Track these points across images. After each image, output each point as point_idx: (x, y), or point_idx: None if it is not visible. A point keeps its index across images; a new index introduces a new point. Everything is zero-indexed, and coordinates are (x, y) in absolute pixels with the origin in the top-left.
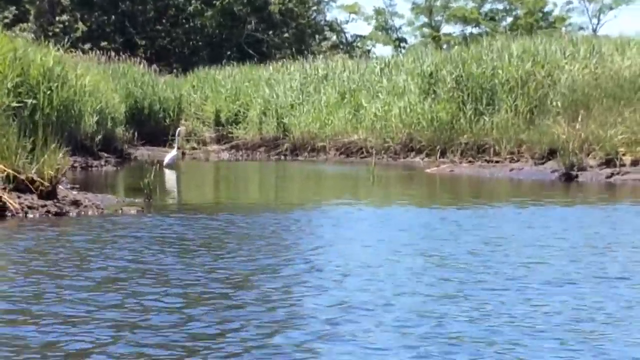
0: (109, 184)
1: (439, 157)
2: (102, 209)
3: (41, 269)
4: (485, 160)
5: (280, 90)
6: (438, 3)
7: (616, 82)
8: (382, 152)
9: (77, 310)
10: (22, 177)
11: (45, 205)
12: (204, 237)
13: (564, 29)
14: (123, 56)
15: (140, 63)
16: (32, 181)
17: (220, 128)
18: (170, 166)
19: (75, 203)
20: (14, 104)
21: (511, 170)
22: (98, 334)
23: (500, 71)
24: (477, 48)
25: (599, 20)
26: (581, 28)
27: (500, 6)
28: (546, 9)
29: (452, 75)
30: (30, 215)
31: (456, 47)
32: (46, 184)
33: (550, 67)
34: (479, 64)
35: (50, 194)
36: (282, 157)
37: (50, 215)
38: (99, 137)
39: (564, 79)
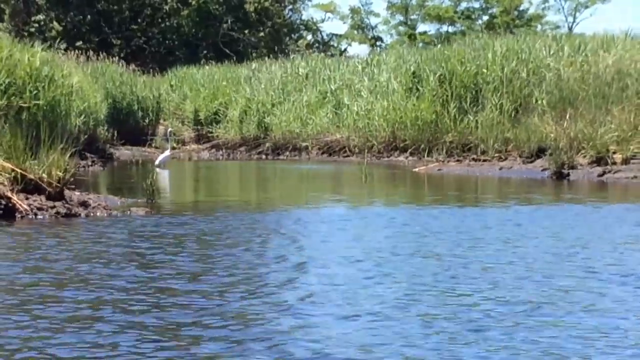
0: (99, 184)
1: (426, 156)
2: (110, 209)
3: (90, 274)
4: (473, 159)
5: (261, 89)
6: (414, 1)
7: (603, 80)
8: (365, 151)
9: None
10: (32, 177)
11: (55, 207)
12: (226, 235)
13: (539, 26)
14: (101, 55)
15: (119, 62)
16: (40, 182)
17: (200, 127)
18: (162, 166)
19: (84, 204)
20: (11, 104)
21: (500, 169)
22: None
23: (484, 70)
24: (461, 47)
25: (574, 18)
26: (557, 26)
27: (476, 4)
28: (522, 7)
29: (435, 74)
30: (39, 217)
31: (439, 45)
32: (55, 184)
33: (535, 66)
34: (463, 63)
35: (58, 195)
36: (264, 157)
37: (59, 216)
38: (84, 137)
39: (549, 77)
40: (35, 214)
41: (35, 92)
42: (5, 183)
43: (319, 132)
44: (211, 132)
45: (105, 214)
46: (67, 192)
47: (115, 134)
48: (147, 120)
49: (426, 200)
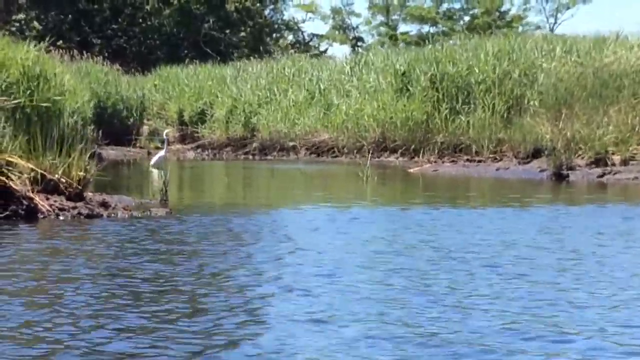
0: (101, 184)
1: (420, 157)
2: (130, 210)
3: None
4: (467, 159)
5: (247, 89)
6: (395, 2)
7: (600, 80)
8: (355, 151)
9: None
10: (54, 177)
11: (76, 207)
12: (263, 234)
13: (521, 27)
14: (85, 55)
15: (103, 62)
16: (60, 182)
17: (184, 127)
18: (157, 167)
19: (104, 204)
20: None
21: (497, 169)
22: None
23: (476, 70)
24: (452, 47)
25: (556, 19)
26: (538, 27)
27: (458, 5)
28: (503, 8)
29: (426, 74)
30: (61, 217)
31: (430, 46)
32: (75, 185)
33: (526, 66)
34: (454, 63)
35: (78, 196)
36: (251, 157)
37: (82, 217)
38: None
39: (542, 78)
40: (57, 215)
41: (29, 91)
42: (26, 183)
43: (307, 133)
44: (196, 132)
45: (126, 215)
46: (85, 193)
47: (100, 134)
48: (131, 120)
49: (442, 201)
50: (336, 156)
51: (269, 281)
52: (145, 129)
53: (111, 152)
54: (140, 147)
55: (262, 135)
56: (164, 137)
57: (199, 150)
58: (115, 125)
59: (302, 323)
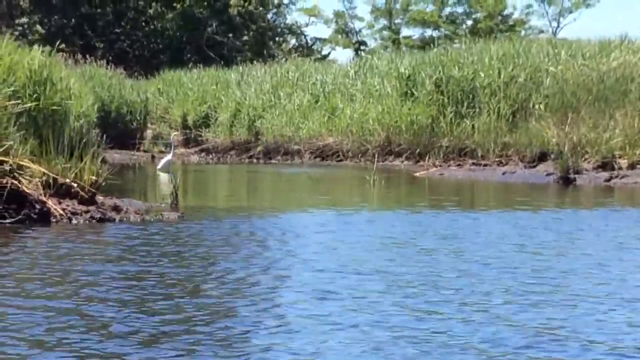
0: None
1: (425, 161)
2: (141, 214)
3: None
4: (473, 163)
5: (252, 93)
6: (398, 6)
7: (606, 84)
8: (359, 155)
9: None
10: (65, 181)
11: (89, 211)
12: (282, 237)
13: (523, 32)
14: (88, 59)
15: (107, 66)
16: (73, 186)
17: (188, 131)
18: (165, 170)
19: (116, 208)
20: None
21: (504, 173)
22: None
23: (481, 74)
24: (457, 50)
25: (558, 23)
26: (541, 31)
27: (460, 9)
28: (506, 12)
29: (431, 78)
30: (74, 221)
31: (435, 49)
32: (87, 189)
33: (532, 70)
34: (460, 67)
35: (90, 200)
36: (255, 161)
37: (94, 221)
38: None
39: (547, 82)
40: (70, 219)
41: (35, 95)
42: (39, 187)
43: (311, 136)
44: (200, 136)
45: (138, 219)
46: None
47: (104, 137)
48: (134, 124)
49: (455, 205)
50: (340, 160)
51: (297, 286)
52: (149, 133)
53: (116, 156)
54: (144, 151)
55: (266, 139)
56: (171, 140)
57: (203, 154)
58: (119, 128)
59: (327, 326)
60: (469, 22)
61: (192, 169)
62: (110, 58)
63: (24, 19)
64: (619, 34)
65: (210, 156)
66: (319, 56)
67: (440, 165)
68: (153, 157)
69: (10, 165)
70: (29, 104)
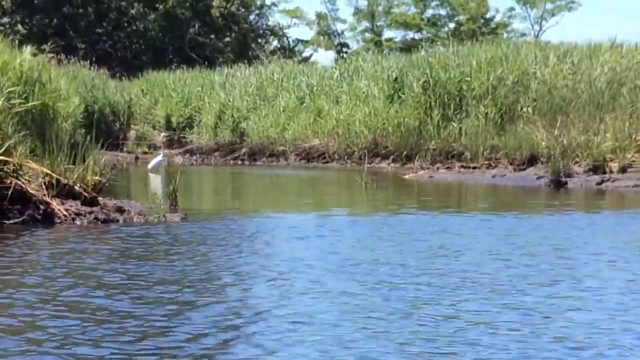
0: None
1: (412, 163)
2: (144, 215)
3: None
4: (462, 166)
5: (236, 94)
6: (380, 8)
7: (595, 88)
8: (345, 157)
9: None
10: (68, 182)
11: (92, 212)
12: (288, 238)
13: (505, 34)
14: (72, 59)
15: (90, 67)
16: (75, 187)
17: (172, 132)
18: (155, 171)
19: (119, 210)
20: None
21: (493, 176)
22: None
23: (468, 77)
24: (444, 53)
25: (540, 26)
26: (523, 34)
27: (443, 12)
28: (488, 15)
29: (419, 81)
30: (77, 222)
31: (422, 51)
32: (90, 190)
33: (520, 73)
34: (447, 69)
35: (93, 201)
36: (240, 162)
37: (98, 222)
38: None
39: (536, 85)
40: (73, 220)
41: (25, 95)
42: (43, 187)
43: (297, 138)
44: (184, 137)
45: (142, 220)
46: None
47: (88, 138)
48: (118, 125)
49: (455, 207)
50: (327, 162)
51: (311, 285)
52: (132, 134)
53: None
54: (128, 152)
55: (251, 140)
56: (161, 141)
57: (187, 155)
58: (102, 129)
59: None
60: (451, 25)
61: (178, 170)
62: (93, 59)
63: (6, 19)
64: (608, 38)
65: (195, 157)
66: (300, 58)
67: (428, 168)
68: (137, 157)
69: (14, 165)
70: (34, 104)
